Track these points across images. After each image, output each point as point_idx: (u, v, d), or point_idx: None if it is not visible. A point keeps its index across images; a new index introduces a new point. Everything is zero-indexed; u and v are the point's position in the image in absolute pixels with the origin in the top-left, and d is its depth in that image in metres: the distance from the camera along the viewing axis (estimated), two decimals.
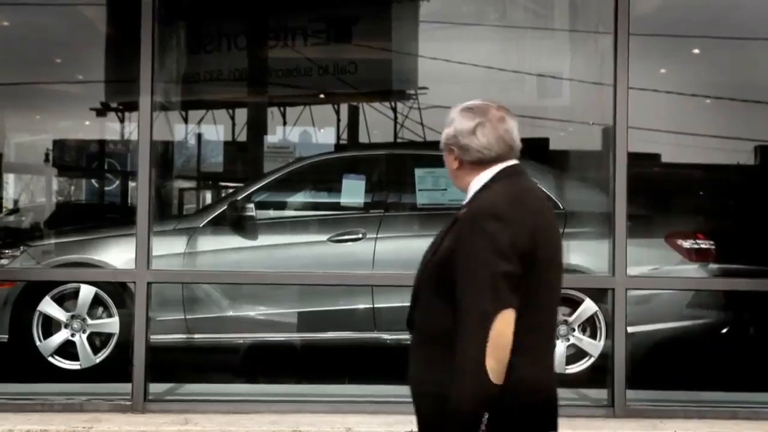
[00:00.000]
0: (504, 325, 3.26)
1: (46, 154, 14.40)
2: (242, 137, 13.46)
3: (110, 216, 13.91)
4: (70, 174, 15.48)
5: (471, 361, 3.27)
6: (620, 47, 7.44)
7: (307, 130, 13.64)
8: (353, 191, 9.15)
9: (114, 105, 13.66)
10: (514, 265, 3.31)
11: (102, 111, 13.61)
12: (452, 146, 3.60)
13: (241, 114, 13.49)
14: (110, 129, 14.38)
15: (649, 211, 9.25)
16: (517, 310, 3.31)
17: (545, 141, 11.99)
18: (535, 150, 11.27)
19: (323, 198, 9.68)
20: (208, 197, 14.90)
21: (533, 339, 3.39)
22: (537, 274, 3.38)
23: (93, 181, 15.17)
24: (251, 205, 8.75)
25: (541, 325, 3.46)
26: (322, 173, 9.65)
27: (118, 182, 14.98)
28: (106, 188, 15.12)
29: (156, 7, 7.47)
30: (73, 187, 15.97)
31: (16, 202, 15.28)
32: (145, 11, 7.45)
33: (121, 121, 14.10)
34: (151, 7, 7.45)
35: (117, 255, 8.50)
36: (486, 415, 3.27)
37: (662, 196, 10.87)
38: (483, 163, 3.57)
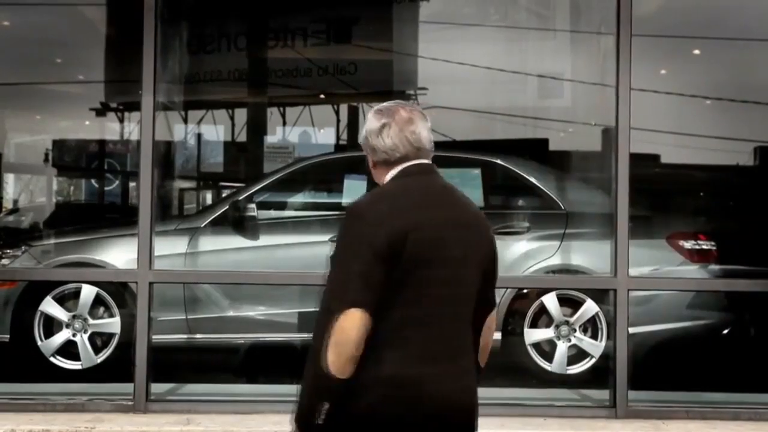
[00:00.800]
0: (348, 322, 3.32)
1: (46, 154, 14.39)
2: (242, 137, 13.47)
3: (111, 216, 13.90)
4: (70, 174, 15.49)
5: (314, 354, 3.36)
6: (623, 48, 7.44)
7: (306, 131, 13.66)
8: (355, 191, 9.13)
9: (115, 105, 13.65)
10: (371, 263, 3.36)
11: (102, 111, 13.62)
12: (365, 147, 3.69)
13: (241, 114, 13.50)
14: (111, 129, 14.38)
15: (651, 212, 9.26)
16: (385, 305, 3.38)
17: (545, 141, 12.01)
18: (535, 150, 11.29)
19: (325, 198, 9.68)
20: (208, 197, 14.90)
21: (409, 333, 3.42)
22: (415, 270, 3.41)
23: (93, 181, 15.16)
24: (253, 206, 8.74)
25: (422, 321, 3.44)
26: (323, 173, 9.65)
27: (118, 182, 14.97)
28: (107, 188, 15.12)
29: (159, 7, 7.47)
30: (73, 187, 15.97)
31: (16, 202, 15.27)
32: (148, 11, 7.44)
33: (121, 121, 14.10)
34: (154, 7, 7.45)
35: (118, 255, 8.50)
36: (325, 405, 3.35)
37: (663, 196, 10.89)
38: (389, 164, 3.62)
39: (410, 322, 3.42)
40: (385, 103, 3.71)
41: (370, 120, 3.66)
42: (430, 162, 3.66)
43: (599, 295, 8.29)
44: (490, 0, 11.86)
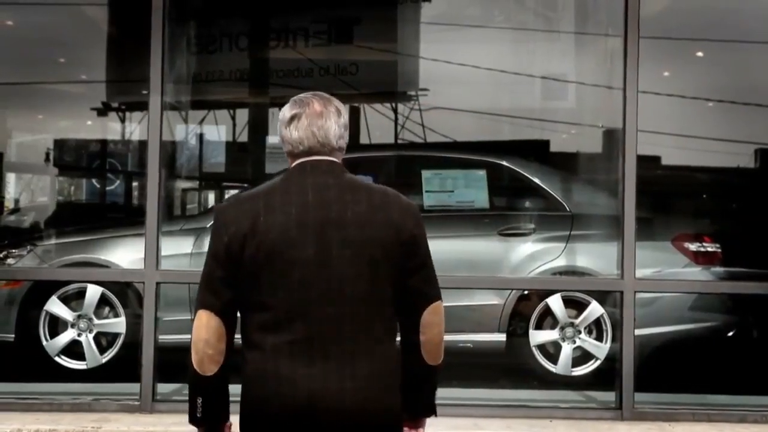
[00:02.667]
0: (197, 323, 3.47)
1: (47, 154, 14.38)
2: (243, 138, 13.45)
3: (115, 216, 13.90)
4: (71, 173, 15.46)
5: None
6: (630, 50, 7.45)
7: None
8: None
9: (120, 104, 13.64)
10: (213, 266, 3.46)
11: (106, 111, 13.61)
12: (281, 138, 3.64)
13: (242, 114, 13.49)
14: (115, 129, 14.36)
15: (654, 214, 9.26)
16: (244, 306, 3.47)
17: (546, 143, 12.01)
18: (537, 152, 11.30)
19: None
20: (209, 197, 14.89)
21: (268, 334, 3.43)
22: (260, 273, 3.42)
23: (95, 180, 15.14)
24: None
25: (280, 321, 3.42)
26: None
27: (120, 182, 14.95)
28: (108, 188, 15.10)
29: (167, 7, 7.47)
30: (74, 187, 15.95)
31: (17, 201, 15.25)
32: (156, 12, 7.44)
33: (122, 121, 14.08)
34: (162, 7, 7.45)
35: (123, 255, 8.50)
36: (200, 400, 3.53)
37: (665, 198, 10.90)
38: (293, 155, 3.59)
39: (265, 325, 3.43)
40: (303, 94, 3.67)
41: (284, 110, 3.62)
42: (334, 160, 3.58)
43: (602, 297, 8.31)
44: (493, 1, 11.85)
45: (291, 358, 3.41)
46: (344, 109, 3.68)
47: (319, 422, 3.41)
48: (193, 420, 3.56)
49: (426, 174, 9.07)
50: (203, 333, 3.43)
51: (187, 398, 3.56)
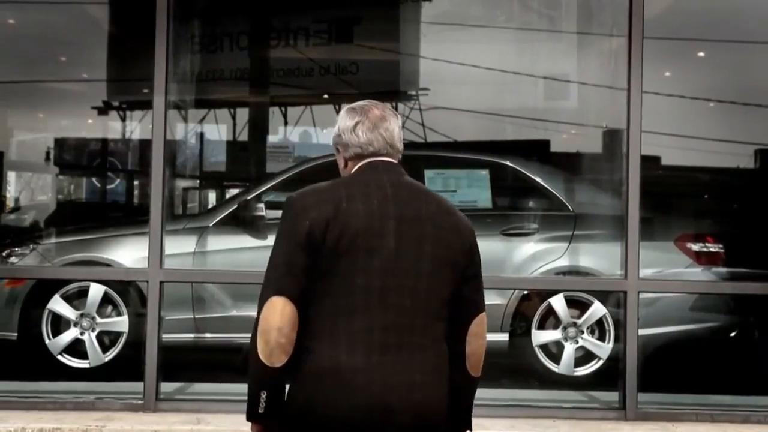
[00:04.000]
0: (269, 310, 3.38)
1: (48, 152, 14.38)
2: (243, 137, 13.45)
3: (118, 215, 13.91)
4: (73, 172, 15.45)
5: (251, 341, 3.44)
6: (634, 51, 7.46)
7: (307, 130, 13.66)
8: None
9: (121, 103, 13.64)
10: (293, 252, 3.42)
11: (110, 109, 13.62)
12: (337, 145, 3.70)
13: (243, 113, 13.48)
14: (118, 127, 14.35)
15: (655, 214, 9.26)
16: (316, 294, 3.42)
17: (547, 143, 12.02)
18: (537, 152, 11.30)
19: None
20: (209, 196, 14.88)
21: (340, 323, 3.42)
22: (339, 260, 3.42)
23: (99, 179, 15.13)
24: (261, 205, 8.76)
25: (352, 310, 3.43)
26: (331, 173, 9.63)
27: (121, 181, 14.95)
28: (113, 187, 15.10)
29: (171, 7, 7.47)
30: (75, 186, 15.94)
31: (17, 200, 15.24)
32: (160, 12, 7.45)
33: (123, 119, 14.08)
34: (166, 7, 7.45)
35: (126, 254, 8.51)
36: (264, 394, 3.40)
37: (670, 199, 10.91)
38: (361, 157, 3.64)
39: (340, 311, 3.43)
40: (358, 102, 3.73)
41: (343, 118, 3.67)
42: (397, 162, 3.68)
43: (605, 297, 8.32)
44: (495, 1, 11.85)
45: (366, 345, 3.43)
46: (397, 114, 3.79)
47: (390, 413, 3.43)
48: (254, 417, 3.45)
49: (429, 174, 9.07)
50: (277, 320, 3.37)
51: (248, 394, 3.42)
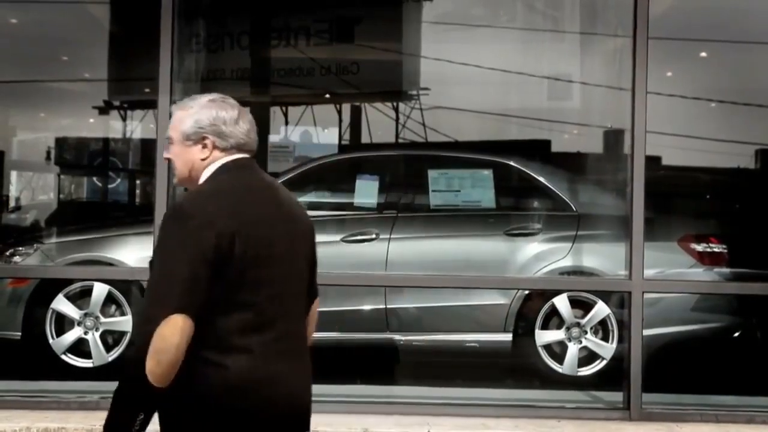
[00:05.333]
0: (169, 328, 3.23)
1: (49, 152, 14.37)
2: None
3: (120, 214, 13.90)
4: (77, 172, 15.43)
5: (130, 362, 3.29)
6: (639, 51, 7.46)
7: (307, 130, 13.65)
8: (366, 192, 9.14)
9: (122, 103, 13.63)
10: (198, 266, 3.30)
11: (112, 109, 13.61)
12: (208, 135, 3.58)
13: None
14: (119, 127, 14.34)
15: (662, 215, 9.26)
16: (221, 308, 3.34)
17: (549, 143, 12.02)
18: (538, 152, 11.31)
19: (336, 198, 9.66)
20: None
21: (253, 335, 3.39)
22: (246, 271, 3.38)
23: (101, 179, 15.10)
24: None
25: (263, 322, 3.41)
26: (335, 174, 9.66)
27: (127, 180, 14.94)
28: (117, 187, 15.07)
29: (176, 7, 7.47)
30: (75, 185, 15.92)
31: (18, 199, 15.23)
32: (165, 11, 7.44)
33: (124, 119, 14.07)
34: (171, 7, 7.45)
35: (130, 253, 8.51)
36: (141, 416, 3.29)
37: (673, 199, 10.90)
38: (233, 151, 3.60)
39: (250, 323, 3.38)
40: (215, 95, 3.68)
41: (218, 108, 3.60)
42: (251, 157, 3.68)
43: (608, 297, 8.32)
44: (497, 1, 11.86)
45: (277, 356, 3.44)
46: None
47: (298, 417, 3.52)
48: None
49: (432, 173, 9.07)
50: (176, 338, 3.23)
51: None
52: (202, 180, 3.59)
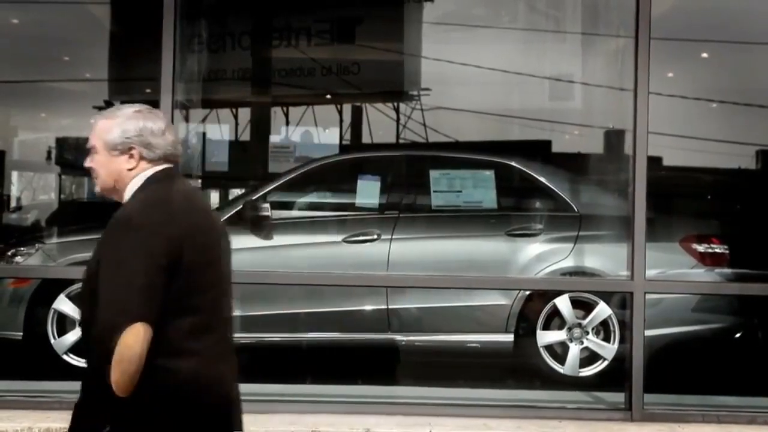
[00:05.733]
0: (132, 337, 3.24)
1: (50, 152, 14.37)
2: (244, 137, 13.44)
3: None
4: (79, 172, 15.41)
5: (92, 374, 3.36)
6: (641, 52, 7.45)
7: (308, 130, 13.64)
8: (368, 192, 9.15)
9: (126, 102, 13.61)
10: (152, 274, 3.32)
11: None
12: (135, 145, 3.60)
13: (244, 113, 13.47)
14: None
15: (663, 215, 9.25)
16: (171, 313, 3.36)
17: (549, 143, 12.02)
18: (539, 152, 11.31)
19: (338, 199, 9.67)
20: (209, 196, 14.86)
21: (202, 338, 3.44)
22: (192, 277, 3.42)
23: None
24: (266, 205, 8.75)
25: (208, 324, 3.48)
26: (337, 174, 9.66)
27: None
28: None
29: (178, 7, 7.47)
30: (81, 185, 15.92)
31: (19, 199, 15.23)
32: (167, 11, 7.44)
33: None
34: (173, 7, 7.44)
35: None
36: (107, 428, 3.31)
37: (674, 200, 10.90)
38: (160, 161, 3.63)
39: (199, 327, 3.44)
40: (141, 105, 3.72)
41: (144, 119, 3.62)
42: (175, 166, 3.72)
43: (609, 298, 8.32)
44: (498, 1, 11.86)
45: (219, 357, 3.53)
46: None
47: (234, 417, 3.61)
48: None
49: (434, 174, 9.07)
50: (139, 348, 3.25)
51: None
52: (130, 190, 3.61)
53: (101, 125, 3.65)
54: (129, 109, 3.66)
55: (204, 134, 13.50)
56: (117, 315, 3.27)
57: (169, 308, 3.35)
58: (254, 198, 8.90)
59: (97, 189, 3.72)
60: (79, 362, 8.26)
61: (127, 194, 3.61)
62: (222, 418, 3.51)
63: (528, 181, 9.18)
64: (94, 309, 3.38)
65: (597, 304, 8.34)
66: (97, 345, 3.33)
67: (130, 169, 3.60)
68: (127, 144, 3.59)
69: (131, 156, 3.60)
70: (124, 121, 3.61)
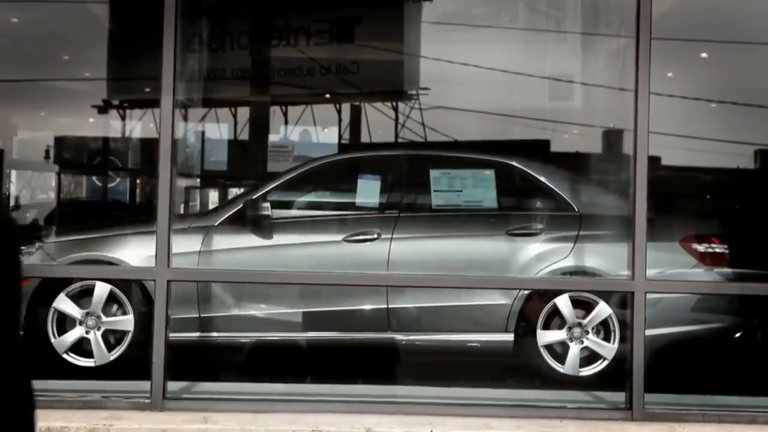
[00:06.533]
0: None
1: (49, 151, 14.37)
2: (243, 136, 13.44)
3: (122, 214, 13.91)
4: (78, 171, 15.43)
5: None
6: (642, 52, 7.45)
7: (307, 130, 13.65)
8: (368, 192, 9.15)
9: (123, 102, 13.63)
10: None
11: (111, 108, 13.61)
12: None
13: (243, 113, 13.48)
14: (120, 126, 14.35)
15: (663, 215, 9.26)
16: None
17: (549, 143, 12.03)
18: (538, 152, 11.32)
19: (338, 198, 9.67)
20: (210, 196, 14.87)
21: None
22: None
23: (102, 178, 15.10)
24: (267, 204, 8.75)
25: None
26: (337, 173, 9.67)
27: (127, 180, 14.94)
28: (117, 186, 15.07)
29: (179, 6, 7.46)
30: (81, 185, 15.92)
31: (17, 198, 15.22)
32: (168, 11, 7.44)
33: (124, 118, 14.07)
34: (174, 7, 7.44)
35: (133, 252, 8.51)
36: None
37: (674, 199, 10.91)
38: None
39: None
40: None
41: None
42: None
43: (609, 297, 8.33)
44: (497, 1, 11.87)
45: None
46: None
47: None
48: None
49: (434, 173, 9.07)
50: None
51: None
52: None
53: None
54: None
55: (203, 133, 13.52)
56: None
57: None
58: (254, 197, 8.90)
59: None
60: (80, 361, 8.28)
61: None
62: None
63: (528, 181, 9.18)
64: None
65: (597, 303, 8.34)
66: None
67: None
68: None
69: None
70: None
